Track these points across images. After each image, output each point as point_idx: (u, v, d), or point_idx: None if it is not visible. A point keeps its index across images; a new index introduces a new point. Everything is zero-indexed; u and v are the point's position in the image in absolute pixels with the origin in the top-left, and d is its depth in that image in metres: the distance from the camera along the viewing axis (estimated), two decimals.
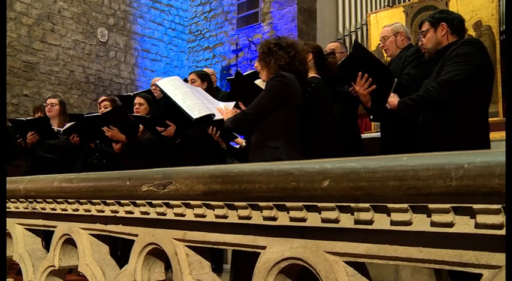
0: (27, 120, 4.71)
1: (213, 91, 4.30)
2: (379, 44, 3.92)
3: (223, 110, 3.21)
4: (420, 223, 1.02)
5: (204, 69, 5.14)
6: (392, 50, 3.72)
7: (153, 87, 5.03)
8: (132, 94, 5.08)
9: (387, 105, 2.93)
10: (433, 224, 1.00)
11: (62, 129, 4.59)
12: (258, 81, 3.12)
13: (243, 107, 3.02)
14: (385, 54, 4.17)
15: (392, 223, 1.05)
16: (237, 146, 3.75)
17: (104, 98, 5.29)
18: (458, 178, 0.91)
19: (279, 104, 2.73)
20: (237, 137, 3.53)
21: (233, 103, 3.27)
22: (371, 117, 3.26)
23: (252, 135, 2.83)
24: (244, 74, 3.84)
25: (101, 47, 11.03)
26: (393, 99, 2.92)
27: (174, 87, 3.44)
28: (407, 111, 2.87)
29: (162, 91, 3.62)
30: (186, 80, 4.22)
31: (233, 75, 4.67)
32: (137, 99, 4.29)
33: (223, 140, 3.57)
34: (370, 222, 1.09)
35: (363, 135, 4.14)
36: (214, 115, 3.32)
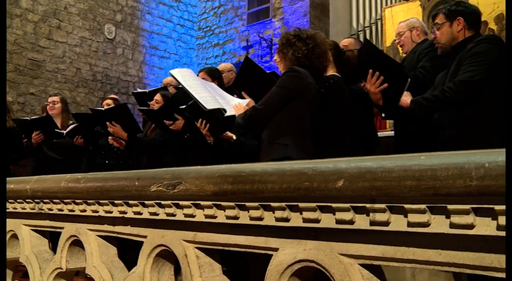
0: (32, 120, 4.74)
1: (225, 88, 4.30)
2: (395, 39, 3.89)
3: (237, 106, 3.20)
4: (439, 225, 1.01)
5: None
6: (408, 46, 3.69)
7: (167, 84, 5.09)
8: (147, 91, 5.10)
9: (400, 104, 2.91)
10: (452, 225, 0.99)
11: (64, 132, 4.62)
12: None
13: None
14: (400, 51, 4.14)
15: (410, 224, 1.05)
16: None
17: (106, 97, 5.34)
18: (479, 177, 0.90)
19: (290, 100, 2.72)
20: (226, 131, 3.50)
21: (247, 100, 3.26)
22: (382, 115, 3.23)
23: (263, 131, 2.83)
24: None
25: (108, 44, 11.10)
26: (406, 98, 2.88)
27: (187, 78, 3.44)
28: (420, 111, 2.84)
29: (175, 79, 3.62)
30: None
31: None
32: (156, 96, 4.36)
33: (211, 135, 3.54)
34: (386, 223, 1.08)
35: (378, 134, 4.11)
36: (225, 111, 3.31)
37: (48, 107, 5.00)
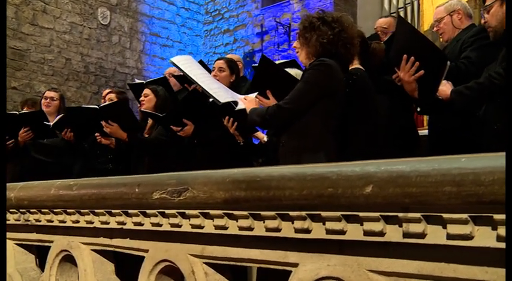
0: (21, 114, 4.76)
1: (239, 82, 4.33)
2: (434, 25, 3.82)
3: (246, 99, 3.19)
4: (484, 237, 1.02)
5: (229, 55, 5.14)
6: (449, 34, 3.59)
7: (168, 75, 5.13)
8: (144, 82, 5.13)
9: (438, 95, 2.87)
10: (499, 238, 0.99)
11: (51, 124, 4.62)
12: (292, 71, 3.11)
13: (270, 97, 2.99)
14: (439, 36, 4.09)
15: (449, 236, 1.05)
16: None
17: (109, 90, 5.33)
18: None
19: (320, 98, 2.71)
20: (257, 131, 3.51)
21: (254, 94, 3.27)
22: (418, 109, 3.20)
23: (282, 134, 2.83)
24: (277, 62, 3.83)
25: (102, 30, 11.16)
26: (445, 87, 2.84)
27: (193, 67, 3.42)
28: (462, 102, 2.79)
29: (179, 69, 3.59)
30: (201, 63, 4.24)
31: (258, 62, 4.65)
32: (145, 90, 4.36)
33: (240, 134, 3.55)
34: (422, 235, 1.09)
35: None
36: (237, 103, 3.29)
37: (44, 102, 5.02)
